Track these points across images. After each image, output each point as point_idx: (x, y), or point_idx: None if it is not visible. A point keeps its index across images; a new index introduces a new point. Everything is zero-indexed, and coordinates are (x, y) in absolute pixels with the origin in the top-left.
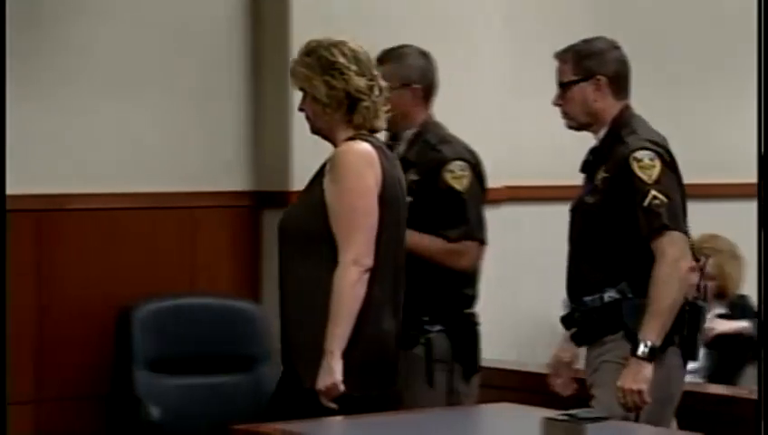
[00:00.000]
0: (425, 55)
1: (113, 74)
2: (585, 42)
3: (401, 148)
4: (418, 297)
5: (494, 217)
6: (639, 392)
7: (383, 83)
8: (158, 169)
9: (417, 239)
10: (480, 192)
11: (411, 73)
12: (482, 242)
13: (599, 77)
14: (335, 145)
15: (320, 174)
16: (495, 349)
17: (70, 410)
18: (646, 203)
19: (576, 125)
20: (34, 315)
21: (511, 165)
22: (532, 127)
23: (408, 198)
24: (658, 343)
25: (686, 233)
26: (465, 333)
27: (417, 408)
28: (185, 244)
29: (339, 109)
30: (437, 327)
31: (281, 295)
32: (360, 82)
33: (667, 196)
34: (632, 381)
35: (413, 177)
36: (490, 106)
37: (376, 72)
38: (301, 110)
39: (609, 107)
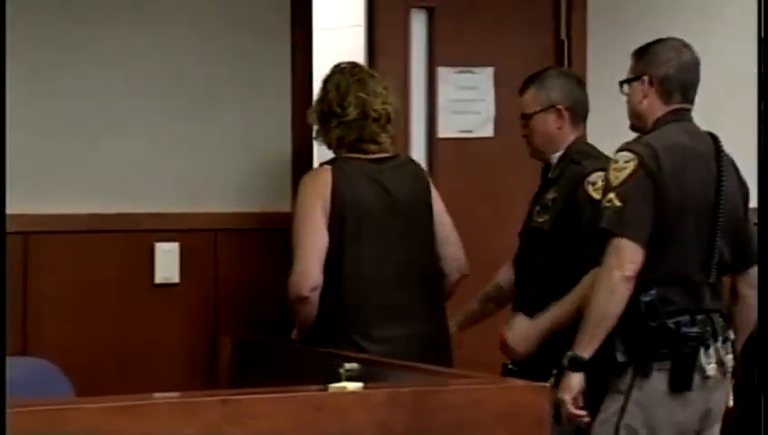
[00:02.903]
0: (567, 75)
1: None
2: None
3: (553, 172)
4: None
5: None
6: (563, 401)
7: (379, 106)
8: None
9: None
10: None
11: (551, 94)
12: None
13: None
14: None
15: None
16: None
17: None
18: (602, 206)
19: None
20: None
21: None
22: None
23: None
24: (585, 354)
25: (639, 241)
26: None
27: None
28: None
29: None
30: None
31: None
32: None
33: (623, 200)
34: (558, 391)
35: (551, 195)
36: None
37: (363, 95)
38: None
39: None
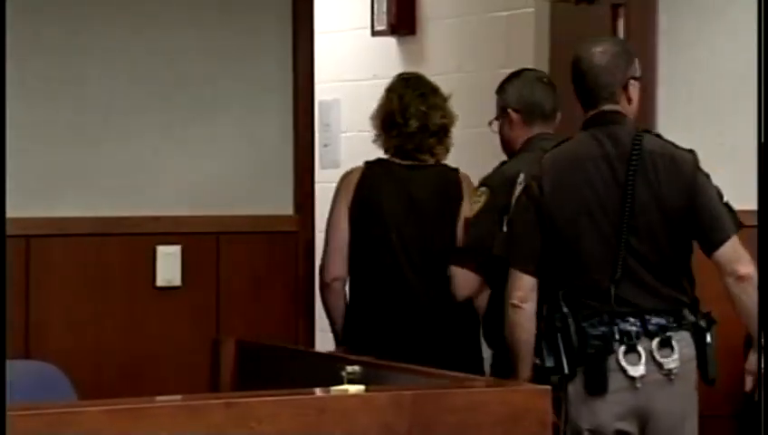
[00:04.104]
0: (525, 76)
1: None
2: None
3: None
4: None
5: None
6: None
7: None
8: None
9: None
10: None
11: (507, 99)
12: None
13: None
14: None
15: None
16: None
17: None
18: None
19: None
20: None
21: None
22: None
23: None
24: (526, 375)
25: (521, 268)
26: None
27: None
28: None
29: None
30: None
31: None
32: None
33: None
34: None
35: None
36: None
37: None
38: None
39: None
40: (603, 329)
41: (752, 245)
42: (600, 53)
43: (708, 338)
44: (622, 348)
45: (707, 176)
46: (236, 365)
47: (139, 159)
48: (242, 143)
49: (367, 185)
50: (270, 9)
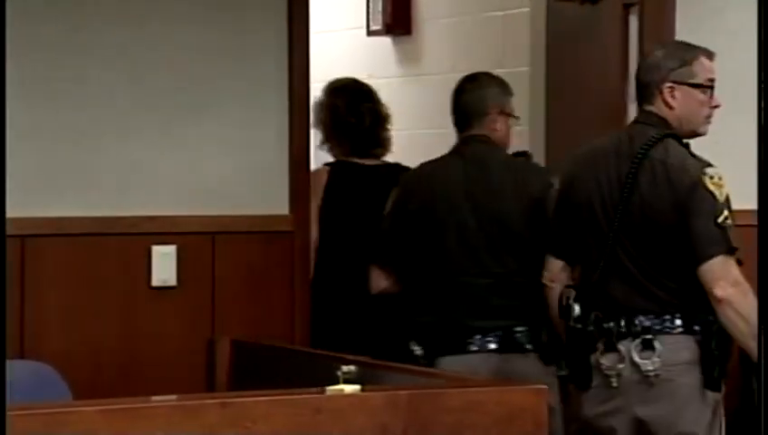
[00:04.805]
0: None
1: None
2: None
3: None
4: None
5: None
6: None
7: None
8: None
9: None
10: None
11: None
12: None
13: None
14: None
15: None
16: None
17: None
18: None
19: None
20: None
21: None
22: None
23: None
24: None
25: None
26: None
27: None
28: None
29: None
30: None
31: None
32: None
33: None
34: None
35: None
36: None
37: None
38: None
39: None
40: (590, 327)
41: (752, 245)
42: (653, 53)
43: (713, 343)
44: (601, 346)
45: (711, 193)
46: (232, 365)
47: (134, 159)
48: (238, 143)
49: (328, 185)
50: (266, 9)
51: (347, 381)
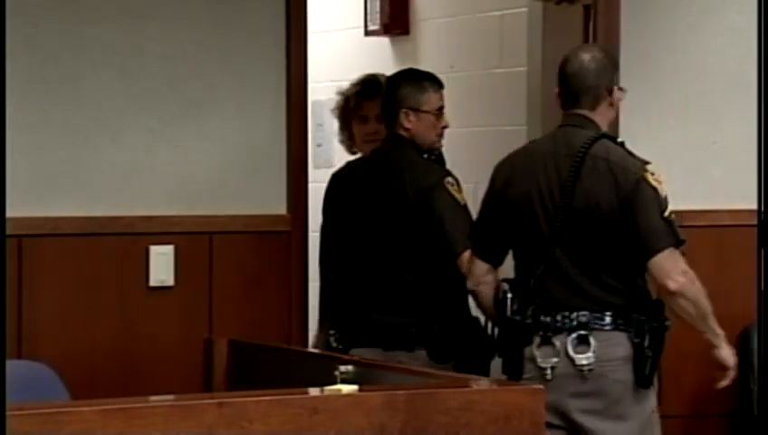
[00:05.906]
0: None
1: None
2: None
3: None
4: None
5: None
6: None
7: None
8: None
9: None
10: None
11: None
12: None
13: None
14: None
15: None
16: None
17: None
18: None
19: None
20: None
21: None
22: None
23: None
24: None
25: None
26: None
27: None
28: None
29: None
30: None
31: None
32: None
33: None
34: None
35: None
36: None
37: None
38: None
39: None
40: (527, 320)
41: (752, 245)
42: (588, 58)
43: (646, 341)
44: (537, 340)
45: (654, 189)
46: (229, 365)
47: (132, 159)
48: (235, 143)
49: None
50: (263, 8)
51: (344, 381)
